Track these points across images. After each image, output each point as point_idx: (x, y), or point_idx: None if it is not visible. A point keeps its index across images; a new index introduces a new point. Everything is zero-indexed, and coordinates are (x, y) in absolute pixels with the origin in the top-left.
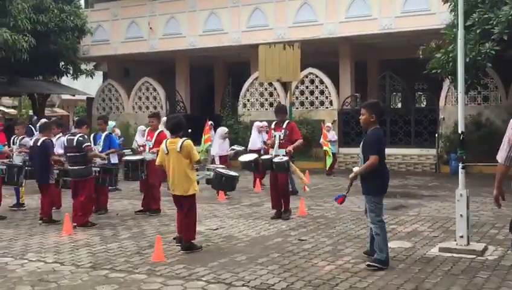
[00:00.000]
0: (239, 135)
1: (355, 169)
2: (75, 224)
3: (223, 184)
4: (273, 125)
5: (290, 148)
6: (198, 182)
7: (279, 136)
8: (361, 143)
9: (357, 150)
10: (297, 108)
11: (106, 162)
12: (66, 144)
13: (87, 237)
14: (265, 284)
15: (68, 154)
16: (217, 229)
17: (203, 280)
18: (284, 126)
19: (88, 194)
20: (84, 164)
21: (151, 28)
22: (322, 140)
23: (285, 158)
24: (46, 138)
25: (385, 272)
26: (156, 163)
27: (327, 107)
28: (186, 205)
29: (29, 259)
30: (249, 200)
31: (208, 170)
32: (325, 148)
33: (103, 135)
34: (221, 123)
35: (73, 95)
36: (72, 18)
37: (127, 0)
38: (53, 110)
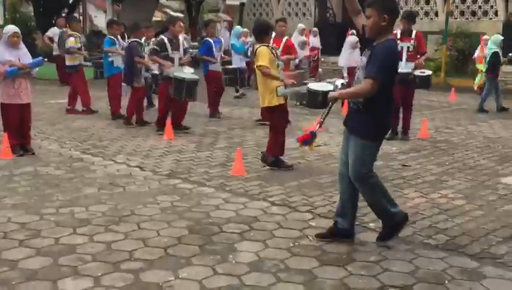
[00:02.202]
0: None
1: (338, 83)
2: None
3: (310, 102)
4: (398, 35)
5: (421, 60)
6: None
7: (408, 47)
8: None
9: None
10: (455, 18)
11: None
12: None
13: (184, 143)
14: (332, 213)
15: None
16: (319, 146)
17: (268, 201)
18: (413, 36)
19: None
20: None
21: None
22: (476, 54)
23: (428, 72)
24: (133, 39)
25: (481, 213)
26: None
27: (491, 18)
28: (267, 117)
29: (116, 161)
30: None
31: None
32: (478, 65)
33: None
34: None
35: (224, 0)
36: None
37: None
38: (217, 15)
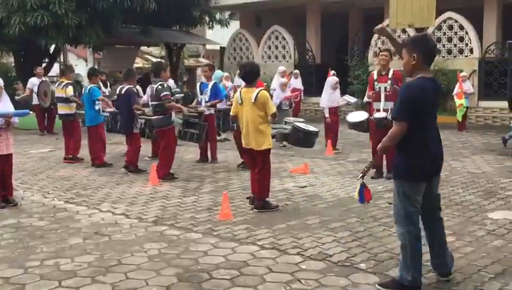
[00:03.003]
0: (366, 86)
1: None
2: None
3: (300, 140)
4: (375, 76)
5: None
6: (273, 136)
7: (385, 87)
8: None
9: (499, 104)
10: None
11: (212, 112)
12: (150, 93)
13: (169, 189)
14: (323, 255)
15: (151, 102)
16: (305, 187)
17: (257, 245)
18: (390, 76)
19: (167, 145)
20: (163, 113)
21: None
22: (455, 91)
23: None
24: (130, 86)
25: (471, 249)
26: (231, 113)
27: (466, 56)
28: (259, 160)
29: (101, 209)
30: (358, 155)
31: (286, 123)
32: (458, 101)
33: (210, 84)
34: (349, 74)
35: (204, 45)
36: None
37: None
38: (198, 60)
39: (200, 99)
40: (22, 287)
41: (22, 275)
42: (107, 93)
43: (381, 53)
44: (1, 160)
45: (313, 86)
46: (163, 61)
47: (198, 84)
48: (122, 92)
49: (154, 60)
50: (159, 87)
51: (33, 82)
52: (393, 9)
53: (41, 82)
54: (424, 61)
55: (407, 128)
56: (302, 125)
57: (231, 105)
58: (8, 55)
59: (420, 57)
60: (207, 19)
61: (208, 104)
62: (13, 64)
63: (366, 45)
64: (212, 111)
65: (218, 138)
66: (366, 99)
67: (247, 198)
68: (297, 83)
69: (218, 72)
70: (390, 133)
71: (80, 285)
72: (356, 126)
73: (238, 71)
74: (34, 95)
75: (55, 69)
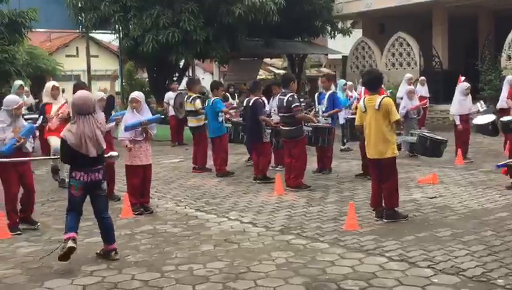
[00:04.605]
0: (499, 93)
1: None
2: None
3: (428, 149)
4: None
5: None
6: (399, 147)
7: None
8: None
9: None
10: None
11: (329, 122)
12: (278, 104)
13: (295, 199)
14: (456, 269)
15: (280, 114)
16: (435, 197)
17: (385, 256)
18: None
19: (300, 156)
20: (294, 124)
21: None
22: None
23: None
24: (256, 98)
25: None
26: (356, 123)
27: None
28: (385, 170)
29: (230, 217)
30: (490, 165)
31: (412, 135)
32: None
33: (327, 94)
34: (480, 79)
35: (326, 55)
36: None
37: None
38: (320, 70)
39: (317, 110)
40: None
41: (159, 278)
42: (235, 105)
43: None
44: (142, 170)
45: (440, 93)
46: (283, 72)
47: (316, 95)
48: (250, 104)
49: (277, 71)
50: (289, 98)
51: (169, 96)
52: None
53: (178, 94)
54: None
55: None
56: (429, 134)
57: (354, 114)
58: (142, 71)
59: None
60: (329, 28)
61: (326, 114)
62: (147, 79)
63: (497, 48)
64: (330, 121)
65: (342, 147)
66: (499, 105)
67: (374, 209)
68: (423, 90)
69: (341, 81)
70: None
71: None
72: (480, 129)
73: (361, 79)
74: (170, 108)
75: (184, 83)
